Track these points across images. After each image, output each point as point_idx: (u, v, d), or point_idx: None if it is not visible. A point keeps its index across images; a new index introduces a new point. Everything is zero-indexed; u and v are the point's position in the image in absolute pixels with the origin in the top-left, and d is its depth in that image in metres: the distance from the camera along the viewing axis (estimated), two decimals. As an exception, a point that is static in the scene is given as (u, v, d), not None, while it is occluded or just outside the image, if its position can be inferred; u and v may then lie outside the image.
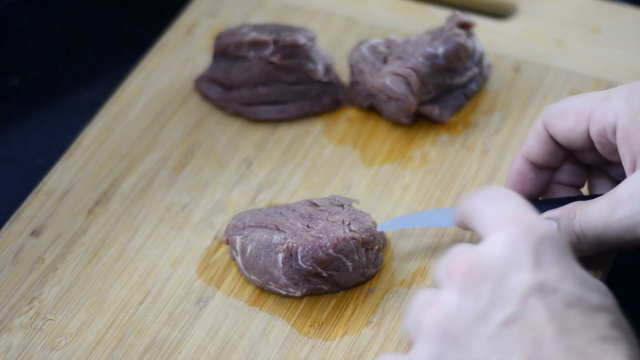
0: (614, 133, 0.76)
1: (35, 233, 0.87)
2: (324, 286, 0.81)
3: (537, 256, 0.61)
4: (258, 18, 1.03)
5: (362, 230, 0.80)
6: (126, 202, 0.89)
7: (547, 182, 0.83)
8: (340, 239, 0.79)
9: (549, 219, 0.79)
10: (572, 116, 0.78)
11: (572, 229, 0.77)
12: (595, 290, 0.62)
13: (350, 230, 0.80)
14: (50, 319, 0.81)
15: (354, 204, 0.83)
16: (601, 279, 0.82)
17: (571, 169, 0.83)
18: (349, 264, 0.80)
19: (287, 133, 0.94)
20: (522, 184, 0.82)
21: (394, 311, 0.80)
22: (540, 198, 0.83)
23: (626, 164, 0.76)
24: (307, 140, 0.93)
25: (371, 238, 0.81)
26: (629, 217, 0.74)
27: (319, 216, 0.81)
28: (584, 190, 0.84)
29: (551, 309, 0.60)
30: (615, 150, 0.78)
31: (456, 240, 0.84)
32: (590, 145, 0.79)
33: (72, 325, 0.81)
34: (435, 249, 0.84)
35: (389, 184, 0.90)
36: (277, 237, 0.79)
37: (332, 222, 0.80)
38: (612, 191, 0.75)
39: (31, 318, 0.81)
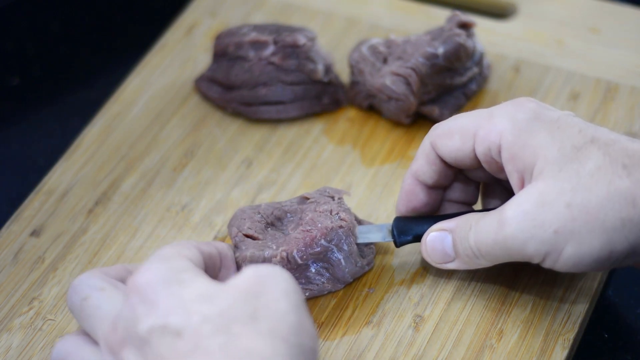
0: (499, 152, 0.76)
1: (35, 233, 0.87)
2: (327, 284, 0.81)
3: (148, 303, 0.66)
4: (258, 18, 1.03)
5: (350, 220, 0.80)
6: (126, 202, 0.89)
7: (440, 200, 0.82)
8: (328, 229, 0.79)
9: (444, 230, 0.78)
10: (458, 136, 0.78)
11: (468, 243, 0.76)
12: (202, 303, 0.66)
13: (340, 218, 0.80)
14: (50, 319, 0.81)
15: (344, 197, 0.83)
16: (599, 286, 0.82)
17: (463, 187, 0.82)
18: (340, 257, 0.80)
19: (287, 133, 0.94)
20: (413, 204, 0.81)
21: (394, 311, 0.80)
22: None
23: (513, 182, 0.76)
24: (307, 140, 0.93)
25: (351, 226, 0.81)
26: (513, 237, 0.73)
27: (307, 208, 0.82)
28: (477, 207, 0.84)
29: (164, 349, 0.65)
30: (501, 169, 0.77)
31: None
32: (478, 164, 0.78)
33: (72, 325, 0.81)
34: (435, 249, 0.84)
35: (389, 184, 0.90)
36: (268, 252, 0.79)
37: (320, 212, 0.81)
38: (500, 209, 0.74)
39: (31, 318, 0.81)
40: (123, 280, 0.73)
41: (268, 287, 0.66)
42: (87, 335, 0.71)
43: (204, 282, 0.67)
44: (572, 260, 0.73)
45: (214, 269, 0.76)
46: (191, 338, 0.64)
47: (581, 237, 0.72)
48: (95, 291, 0.70)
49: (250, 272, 0.67)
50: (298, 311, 0.66)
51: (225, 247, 0.79)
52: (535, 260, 0.74)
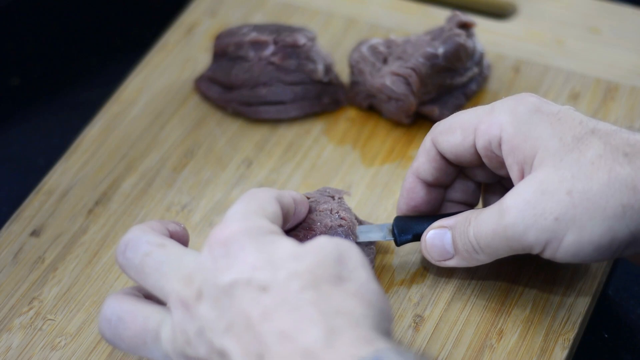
0: (499, 145, 0.76)
1: (35, 233, 0.87)
2: None
3: (233, 257, 0.66)
4: (258, 18, 1.03)
5: (350, 219, 0.80)
6: (126, 202, 0.89)
7: (441, 200, 0.82)
8: (327, 227, 0.79)
9: (443, 227, 0.78)
10: (458, 131, 0.78)
11: (467, 237, 0.76)
12: (289, 259, 0.66)
13: (340, 217, 0.80)
14: (50, 319, 0.81)
15: (344, 197, 0.83)
16: (599, 285, 0.82)
17: (464, 187, 0.82)
18: None
19: (287, 133, 0.94)
20: (414, 202, 0.81)
21: (394, 311, 0.80)
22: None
23: (514, 175, 0.76)
24: (307, 140, 0.93)
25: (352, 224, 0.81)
26: (514, 226, 0.73)
27: None
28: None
29: (246, 303, 0.64)
30: (502, 164, 0.77)
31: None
32: (478, 160, 0.78)
33: (72, 325, 0.81)
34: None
35: (389, 184, 0.90)
36: None
37: (320, 211, 0.81)
38: (500, 200, 0.74)
39: (31, 318, 0.81)
40: (166, 236, 0.72)
41: (348, 256, 0.67)
42: (137, 293, 0.71)
43: (289, 243, 0.67)
44: (573, 248, 0.72)
45: (286, 222, 0.76)
46: (278, 293, 0.64)
47: (582, 225, 0.72)
48: (156, 247, 0.70)
49: (328, 240, 0.68)
50: (376, 281, 0.67)
51: (301, 199, 0.79)
52: (536, 250, 0.74)
